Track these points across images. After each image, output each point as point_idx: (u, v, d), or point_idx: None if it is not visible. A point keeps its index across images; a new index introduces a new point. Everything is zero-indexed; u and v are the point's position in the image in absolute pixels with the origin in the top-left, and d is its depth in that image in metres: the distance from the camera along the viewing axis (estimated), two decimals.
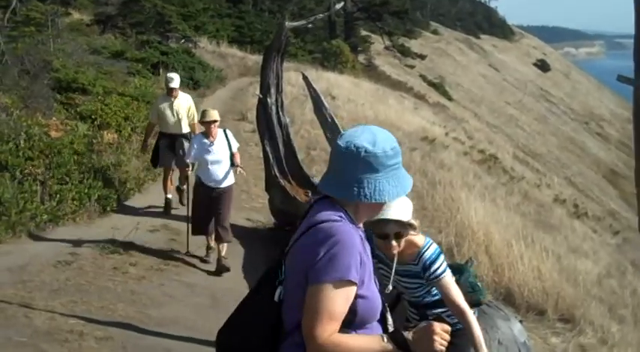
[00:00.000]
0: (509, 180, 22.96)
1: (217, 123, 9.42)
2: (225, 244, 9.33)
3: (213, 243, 9.55)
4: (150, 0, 31.67)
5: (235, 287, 8.18)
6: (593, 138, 67.56)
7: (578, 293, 10.77)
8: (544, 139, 54.60)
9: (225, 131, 9.60)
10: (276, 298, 2.95)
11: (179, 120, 11.59)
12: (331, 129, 10.02)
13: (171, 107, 11.56)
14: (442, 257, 4.45)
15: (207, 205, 9.26)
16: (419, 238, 4.51)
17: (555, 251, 13.13)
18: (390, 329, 3.10)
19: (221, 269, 9.10)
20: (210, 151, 9.24)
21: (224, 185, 9.32)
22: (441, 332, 2.89)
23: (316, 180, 10.92)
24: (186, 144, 11.12)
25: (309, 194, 10.09)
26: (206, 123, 9.32)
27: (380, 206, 3.01)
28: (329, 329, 2.72)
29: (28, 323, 6.54)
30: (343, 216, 2.91)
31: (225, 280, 8.33)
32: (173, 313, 7.50)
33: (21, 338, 6.16)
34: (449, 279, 4.37)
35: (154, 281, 8.38)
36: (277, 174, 10.71)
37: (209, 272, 9.22)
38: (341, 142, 2.92)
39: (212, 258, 9.54)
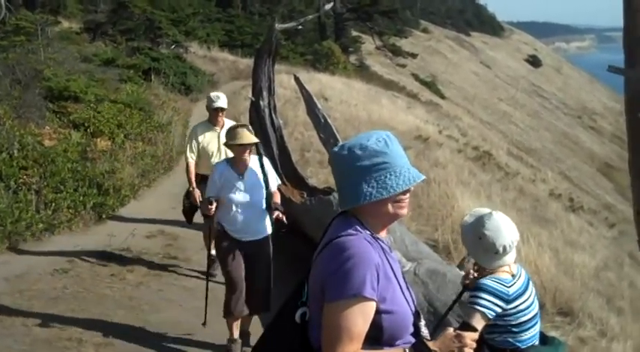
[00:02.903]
0: (504, 176, 22.95)
1: (252, 148, 6.61)
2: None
3: (237, 334, 6.70)
4: (139, 6, 31.69)
5: None
6: (586, 132, 67.72)
7: (575, 286, 10.77)
8: (538, 134, 54.69)
9: (260, 159, 6.78)
10: (297, 319, 2.88)
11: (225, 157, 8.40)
12: (324, 129, 9.99)
13: (218, 140, 8.66)
14: (494, 296, 4.09)
15: (243, 269, 6.52)
16: (510, 268, 4.31)
17: (552, 245, 13.13)
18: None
19: None
20: (238, 188, 6.45)
21: (259, 236, 6.59)
22: (471, 342, 2.89)
23: (311, 181, 10.93)
24: None
25: (305, 195, 10.04)
26: (235, 147, 6.48)
27: (397, 205, 2.85)
28: (349, 350, 2.66)
29: (27, 332, 6.54)
30: (359, 228, 2.83)
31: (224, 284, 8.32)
32: (172, 317, 7.49)
33: (20, 346, 6.16)
34: (474, 315, 4.05)
35: (152, 286, 8.37)
36: None
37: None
38: (334, 148, 2.89)
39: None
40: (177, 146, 16.30)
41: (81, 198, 10.97)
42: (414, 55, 58.67)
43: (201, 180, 8.47)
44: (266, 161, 6.86)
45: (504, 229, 4.14)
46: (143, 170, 13.49)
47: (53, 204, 10.46)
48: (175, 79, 25.09)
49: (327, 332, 2.69)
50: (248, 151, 6.49)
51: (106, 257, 9.13)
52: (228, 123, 8.68)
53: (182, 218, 10.77)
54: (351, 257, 2.70)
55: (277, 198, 6.69)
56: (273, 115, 11.00)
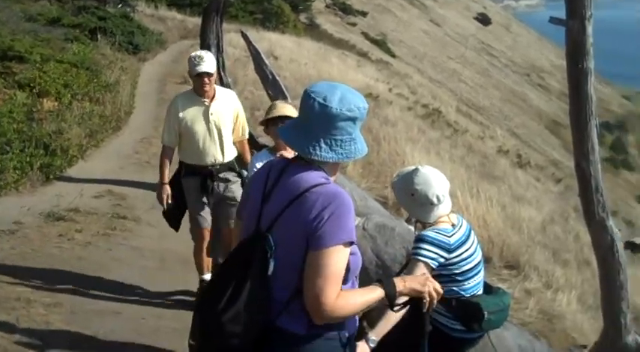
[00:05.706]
0: (453, 134, 23.20)
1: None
2: None
3: None
4: None
5: (182, 250, 8.00)
6: (535, 89, 68.43)
7: (522, 240, 11.00)
8: (487, 92, 55.14)
9: None
10: (270, 272, 2.87)
11: (219, 140, 6.57)
12: (272, 86, 9.97)
13: (205, 116, 6.49)
14: (435, 246, 4.11)
15: None
16: (450, 218, 4.32)
17: (500, 200, 13.34)
18: None
19: None
20: None
21: None
22: (437, 292, 3.09)
23: (262, 139, 10.91)
24: (234, 183, 6.69)
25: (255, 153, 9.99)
26: (272, 124, 5.24)
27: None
28: (336, 292, 2.75)
29: None
30: (327, 176, 2.96)
31: (172, 242, 8.27)
32: (121, 277, 7.46)
33: None
34: (417, 266, 4.03)
35: (101, 246, 8.32)
36: None
37: None
38: (330, 103, 2.86)
39: None
40: (125, 105, 16.14)
41: (28, 158, 10.81)
42: (364, 14, 58.67)
43: (186, 172, 6.69)
44: None
45: (433, 180, 4.22)
46: (91, 130, 13.33)
47: None
48: (123, 38, 24.69)
49: (318, 278, 2.75)
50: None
51: (54, 217, 9.02)
52: (222, 92, 6.77)
53: (130, 178, 10.72)
54: (340, 205, 2.83)
55: None
56: (222, 73, 10.94)
